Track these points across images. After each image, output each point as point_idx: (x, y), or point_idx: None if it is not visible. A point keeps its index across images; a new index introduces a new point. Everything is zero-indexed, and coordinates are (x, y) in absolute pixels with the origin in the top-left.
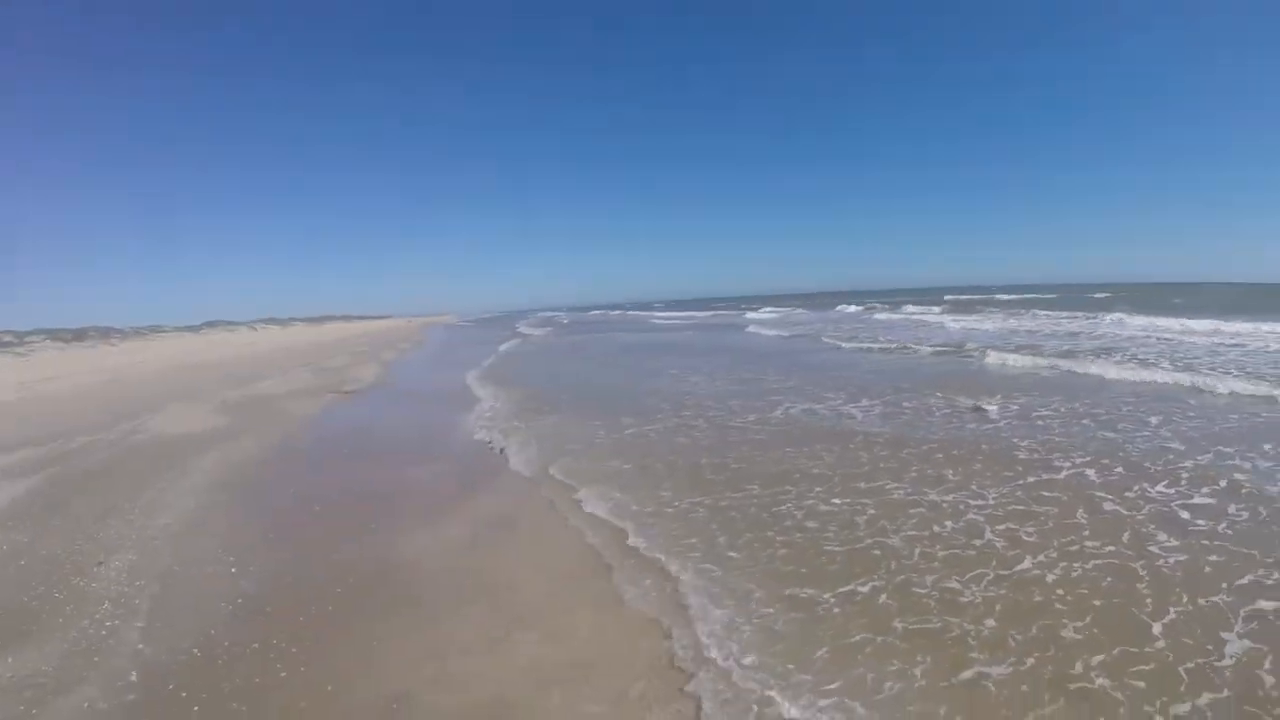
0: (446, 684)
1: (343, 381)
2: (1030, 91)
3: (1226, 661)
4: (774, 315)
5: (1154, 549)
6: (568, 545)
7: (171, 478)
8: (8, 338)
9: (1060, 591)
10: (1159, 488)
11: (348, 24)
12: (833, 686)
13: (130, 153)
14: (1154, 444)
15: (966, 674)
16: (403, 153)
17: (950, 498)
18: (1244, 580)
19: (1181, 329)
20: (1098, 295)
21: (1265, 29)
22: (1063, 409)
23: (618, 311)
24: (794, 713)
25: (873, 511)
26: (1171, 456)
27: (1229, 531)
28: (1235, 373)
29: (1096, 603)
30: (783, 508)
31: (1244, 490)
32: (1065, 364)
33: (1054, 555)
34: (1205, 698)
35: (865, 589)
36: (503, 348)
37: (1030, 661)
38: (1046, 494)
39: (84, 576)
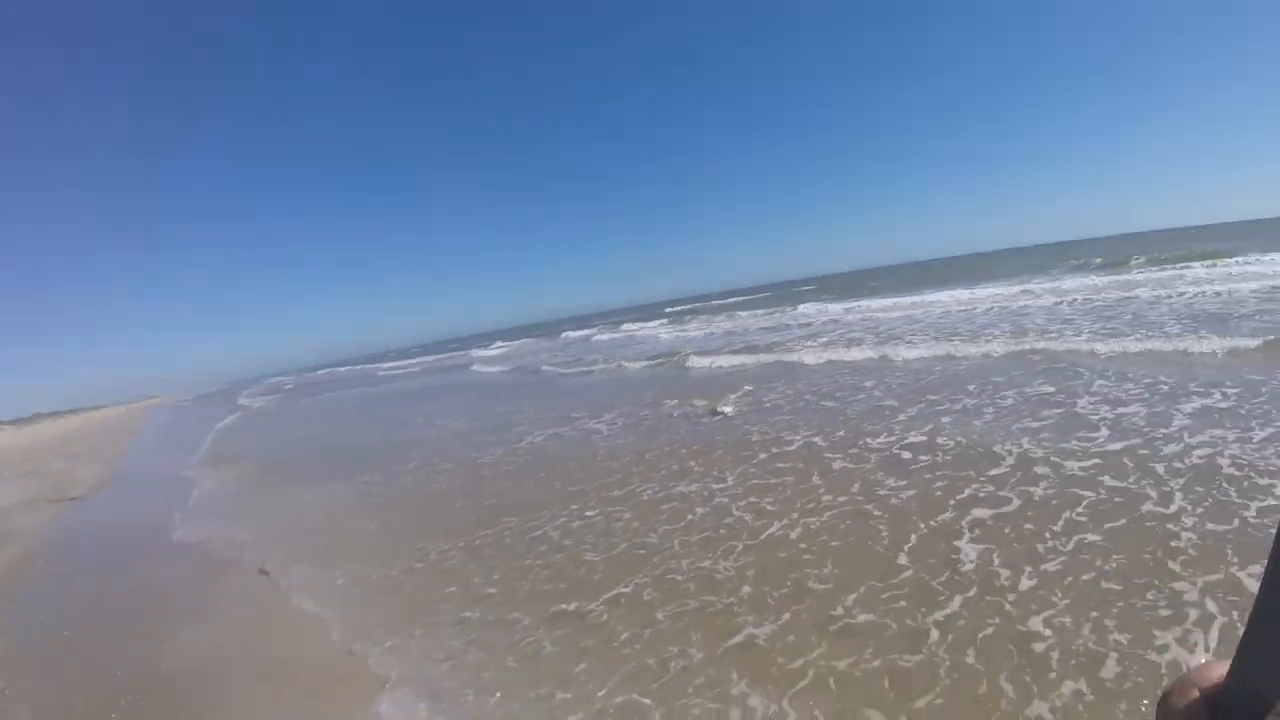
0: None
1: (65, 486)
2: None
3: (967, 567)
4: (501, 351)
5: (883, 492)
6: (299, 632)
7: None
8: None
9: (804, 546)
10: (879, 440)
11: None
12: (613, 682)
13: None
14: (870, 405)
15: (737, 639)
16: None
17: (695, 487)
18: (962, 495)
19: (876, 308)
20: (801, 289)
21: None
22: (788, 391)
23: (346, 367)
24: None
25: (628, 515)
26: (887, 412)
27: (943, 460)
28: (925, 338)
29: (841, 549)
30: (539, 532)
31: (947, 428)
32: (776, 355)
33: (795, 516)
34: (956, 600)
35: (628, 589)
36: (224, 424)
37: (788, 616)
38: (782, 465)
39: None
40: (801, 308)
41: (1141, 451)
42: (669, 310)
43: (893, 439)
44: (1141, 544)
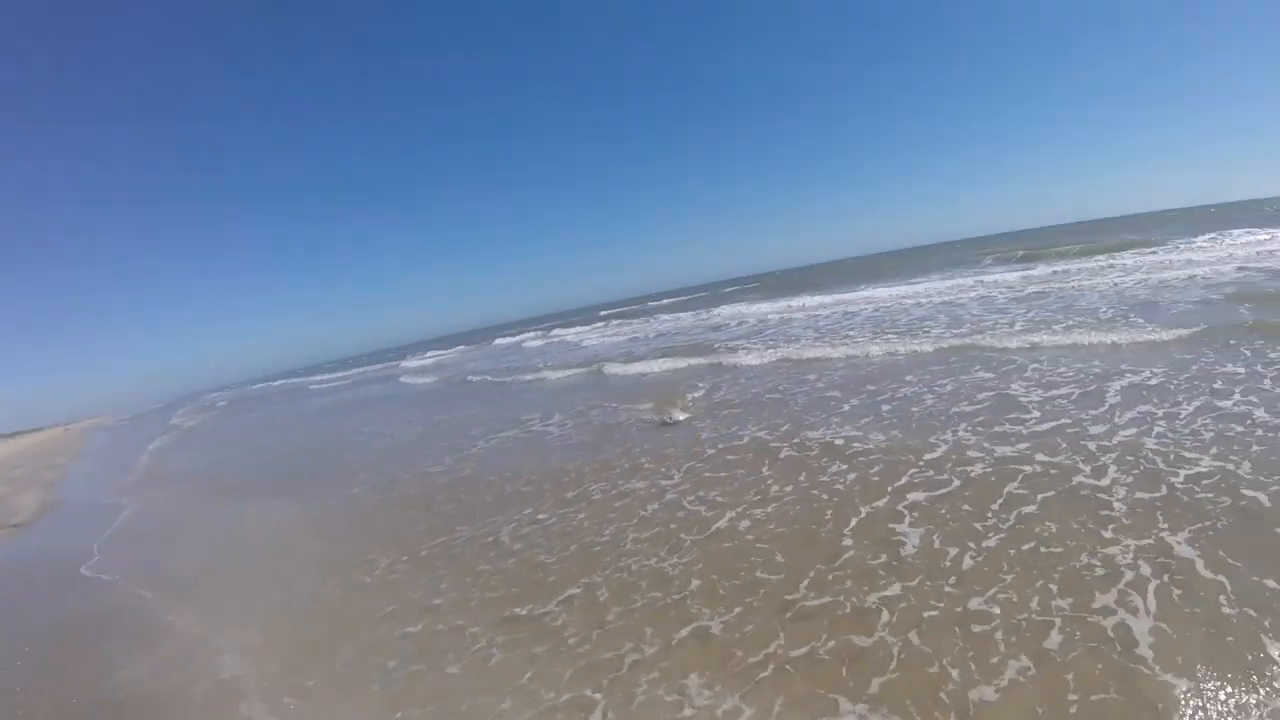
0: None
1: (6, 514)
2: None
3: (909, 549)
4: (433, 360)
5: (825, 478)
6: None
7: None
8: None
9: (751, 537)
10: (820, 431)
11: None
12: (565, 679)
13: None
14: (814, 397)
15: (685, 631)
16: None
17: (643, 484)
18: (901, 481)
19: (799, 305)
20: (726, 290)
21: None
22: (731, 392)
23: (280, 381)
24: None
25: (582, 516)
26: (831, 403)
27: (884, 442)
28: (864, 333)
29: (788, 536)
30: (491, 538)
31: (886, 412)
32: (714, 357)
33: (743, 509)
34: (895, 586)
35: (579, 590)
36: (162, 444)
37: (739, 609)
38: (731, 458)
39: None
40: (731, 308)
41: (1071, 430)
42: (603, 313)
43: (836, 419)
44: (1075, 513)
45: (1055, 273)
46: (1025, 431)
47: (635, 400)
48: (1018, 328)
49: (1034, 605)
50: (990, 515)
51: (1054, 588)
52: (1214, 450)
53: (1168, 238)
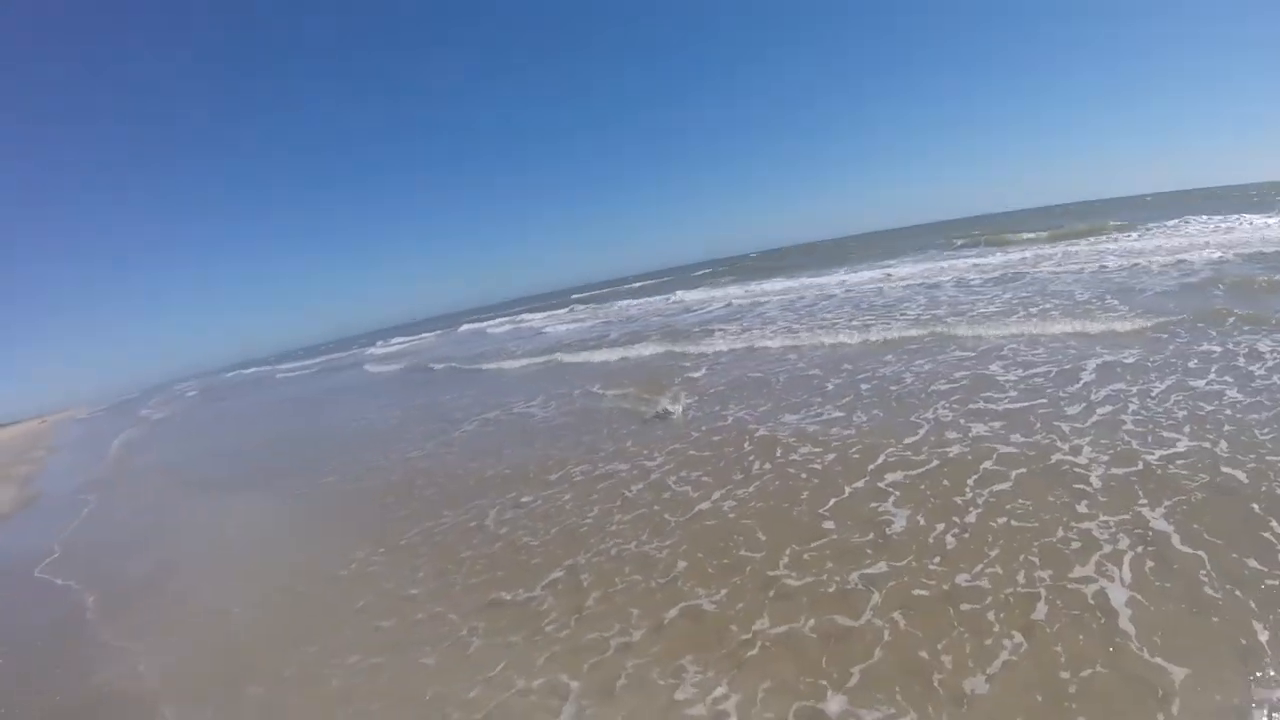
0: None
1: None
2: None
3: (896, 527)
4: (401, 347)
5: (796, 457)
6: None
7: None
8: None
9: (733, 517)
10: (800, 413)
11: None
12: (540, 664)
13: None
14: (794, 377)
15: (673, 611)
16: None
17: (626, 465)
18: (880, 460)
19: (760, 290)
20: (699, 272)
21: None
22: (715, 375)
23: (251, 370)
24: None
25: (568, 497)
26: (814, 384)
27: (865, 425)
28: (843, 313)
29: (771, 516)
30: (473, 523)
31: (866, 394)
32: (689, 343)
33: (729, 489)
34: (881, 563)
35: (561, 573)
36: (138, 435)
37: (725, 590)
38: (715, 439)
39: None
40: (703, 292)
41: (1046, 409)
42: (574, 297)
43: (816, 401)
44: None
45: (1025, 258)
46: (1000, 409)
47: (611, 387)
48: (994, 310)
49: (1019, 579)
50: (968, 490)
51: (1035, 559)
52: (1188, 429)
53: (1138, 222)
